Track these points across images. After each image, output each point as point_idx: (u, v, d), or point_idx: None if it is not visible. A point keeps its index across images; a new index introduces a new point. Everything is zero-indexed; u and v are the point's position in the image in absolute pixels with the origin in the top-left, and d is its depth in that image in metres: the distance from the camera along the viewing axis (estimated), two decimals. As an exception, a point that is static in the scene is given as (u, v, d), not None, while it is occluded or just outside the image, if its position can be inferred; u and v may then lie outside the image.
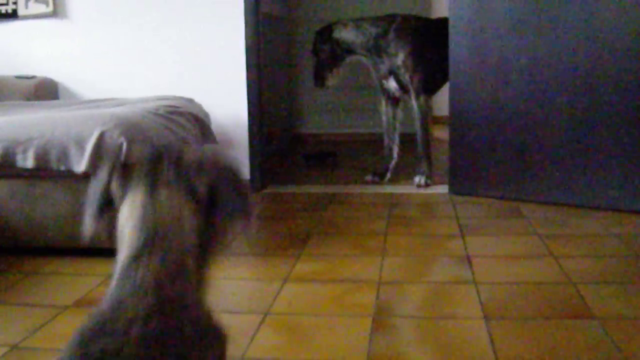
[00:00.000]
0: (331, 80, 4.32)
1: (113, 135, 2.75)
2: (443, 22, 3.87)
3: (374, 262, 2.65)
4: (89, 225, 1.18)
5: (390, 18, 4.11)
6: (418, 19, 4.23)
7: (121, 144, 2.74)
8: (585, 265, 2.55)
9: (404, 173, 4.31)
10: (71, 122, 2.83)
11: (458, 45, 3.70)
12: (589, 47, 3.32)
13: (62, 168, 2.77)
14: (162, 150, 1.16)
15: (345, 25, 4.17)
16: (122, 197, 1.13)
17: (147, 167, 1.12)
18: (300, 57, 5.97)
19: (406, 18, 4.13)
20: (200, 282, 1.11)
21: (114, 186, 1.15)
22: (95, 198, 1.16)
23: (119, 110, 3.07)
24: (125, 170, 1.14)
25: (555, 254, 2.68)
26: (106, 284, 2.47)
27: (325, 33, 4.23)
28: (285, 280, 2.47)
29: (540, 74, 3.47)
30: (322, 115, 6.21)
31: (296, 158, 5.43)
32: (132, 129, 2.81)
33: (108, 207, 1.16)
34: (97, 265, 2.73)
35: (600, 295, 2.23)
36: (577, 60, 3.36)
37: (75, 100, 3.96)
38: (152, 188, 1.10)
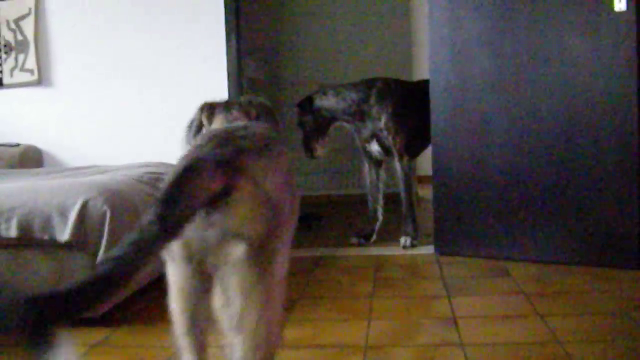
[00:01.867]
0: (320, 150, 4.34)
1: (97, 204, 2.75)
2: (424, 85, 3.93)
3: (360, 327, 2.63)
4: (188, 142, 1.92)
5: (371, 82, 4.18)
6: (398, 82, 4.29)
7: (105, 212, 2.74)
8: (572, 324, 2.54)
9: (390, 234, 4.31)
10: (54, 191, 2.83)
11: (439, 106, 3.76)
12: (567, 105, 3.39)
13: (46, 237, 2.76)
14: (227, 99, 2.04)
15: (325, 93, 4.24)
16: (210, 124, 1.91)
17: (223, 105, 1.97)
18: (287, 120, 6.03)
19: (387, 82, 4.20)
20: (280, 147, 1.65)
21: (204, 118, 1.94)
22: (194, 127, 1.95)
23: (102, 178, 3.09)
24: (211, 109, 1.95)
25: (541, 313, 2.67)
26: (91, 355, 2.45)
27: (306, 104, 4.28)
28: (271, 347, 2.44)
29: (521, 133, 3.53)
30: (308, 177, 6.24)
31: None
32: (116, 197, 2.82)
33: (199, 132, 1.91)
34: (80, 336, 2.67)
35: (588, 355, 2.22)
36: (556, 118, 3.42)
37: (59, 169, 3.97)
38: (227, 111, 1.94)
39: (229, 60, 4.02)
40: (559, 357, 2.21)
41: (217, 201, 1.22)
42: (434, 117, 3.79)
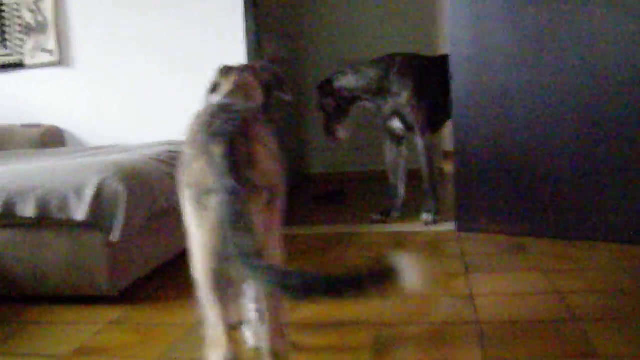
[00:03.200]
0: (342, 133, 4.29)
1: (112, 183, 2.76)
2: (444, 60, 3.87)
3: (375, 304, 2.62)
4: (206, 100, 2.11)
5: (391, 58, 4.13)
6: (419, 57, 4.23)
7: (120, 191, 2.75)
8: (591, 301, 2.49)
9: (413, 210, 4.28)
10: (71, 171, 2.85)
11: (460, 82, 3.70)
12: (590, 80, 3.30)
13: (63, 217, 2.78)
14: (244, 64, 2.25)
15: (344, 73, 4.18)
16: (226, 79, 2.12)
17: (238, 68, 2.17)
18: (309, 99, 6.01)
19: (407, 57, 4.14)
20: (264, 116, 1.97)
21: (218, 78, 2.15)
22: (211, 85, 2.15)
23: (118, 157, 3.09)
24: (228, 70, 2.16)
25: (560, 290, 2.63)
26: (105, 332, 2.47)
27: (326, 86, 4.22)
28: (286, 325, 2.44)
29: (543, 108, 3.45)
30: (332, 154, 6.22)
31: (306, 198, 5.43)
32: (131, 176, 2.83)
33: (215, 91, 2.12)
34: (98, 313, 2.72)
35: (604, 333, 2.18)
36: (579, 92, 3.34)
37: (80, 148, 4.00)
38: (240, 74, 2.13)
39: (247, 38, 3.98)
40: (577, 335, 2.17)
41: (244, 163, 1.53)
42: (454, 92, 3.73)
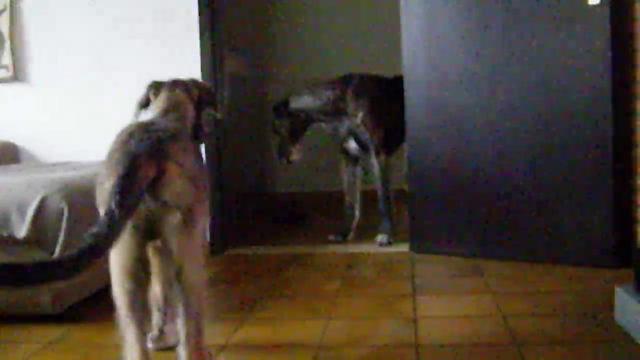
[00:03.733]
0: (296, 155, 4.30)
1: (54, 201, 2.74)
2: (401, 80, 3.88)
3: (318, 326, 2.60)
4: (135, 117, 2.15)
5: (347, 78, 4.14)
6: (375, 77, 4.25)
7: (62, 209, 2.72)
8: (536, 325, 2.50)
9: (371, 231, 4.26)
10: (14, 187, 2.81)
11: (414, 102, 3.72)
12: (545, 100, 3.34)
13: (4, 234, 2.74)
14: (174, 79, 2.25)
15: (300, 94, 4.19)
16: (155, 97, 2.18)
17: (168, 84, 2.22)
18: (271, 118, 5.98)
19: (362, 77, 4.16)
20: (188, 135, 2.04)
21: (150, 94, 2.20)
22: (141, 101, 2.21)
23: (64, 174, 3.06)
24: (157, 86, 2.21)
25: (505, 312, 2.63)
26: (42, 353, 2.42)
27: (281, 108, 4.22)
28: (221, 348, 2.41)
29: (498, 129, 3.48)
30: (294, 174, 6.19)
31: (267, 218, 5.41)
32: (75, 194, 2.80)
33: (145, 107, 2.19)
34: (38, 332, 2.67)
35: (544, 357, 2.18)
36: (534, 113, 3.37)
37: (32, 164, 3.95)
38: (171, 90, 2.19)
39: (202, 56, 3.97)
40: (514, 358, 2.16)
41: (153, 183, 1.59)
42: (408, 113, 3.75)
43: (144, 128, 1.75)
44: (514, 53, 3.39)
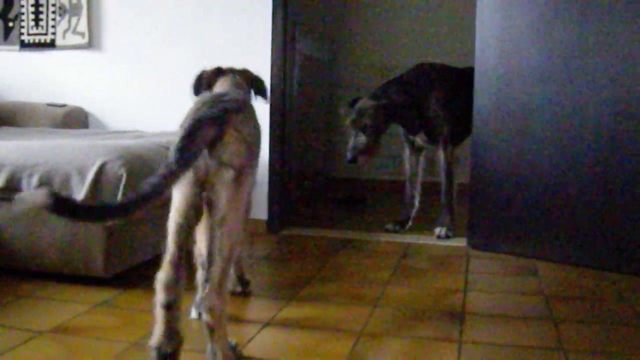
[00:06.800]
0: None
1: (114, 167, 2.78)
2: (470, 71, 3.80)
3: (363, 312, 2.57)
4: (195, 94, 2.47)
5: (418, 69, 4.06)
6: (446, 67, 4.17)
7: (121, 175, 2.76)
8: (584, 332, 2.41)
9: (430, 223, 4.20)
10: (75, 151, 2.87)
11: (482, 95, 3.63)
12: (616, 102, 3.21)
13: (64, 195, 2.79)
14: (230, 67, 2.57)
15: (389, 91, 3.99)
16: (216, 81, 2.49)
17: (227, 70, 2.53)
18: (340, 102, 5.97)
19: (433, 66, 4.08)
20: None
21: (212, 77, 2.50)
22: (204, 84, 2.49)
23: (126, 142, 3.11)
24: (218, 71, 2.52)
25: (556, 317, 2.55)
26: (90, 313, 2.47)
27: (380, 112, 3.90)
28: (265, 325, 2.41)
29: (564, 129, 3.37)
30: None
31: (326, 201, 5.40)
32: (134, 161, 2.84)
33: (208, 88, 2.48)
34: (88, 294, 2.73)
35: (588, 365, 2.11)
36: (604, 115, 3.24)
37: (100, 131, 4.03)
38: (232, 76, 2.49)
39: (274, 34, 3.96)
40: (558, 364, 2.10)
41: (214, 143, 1.83)
42: (476, 106, 3.67)
43: (217, 99, 1.99)
44: (588, 48, 3.26)
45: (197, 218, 1.94)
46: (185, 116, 1.96)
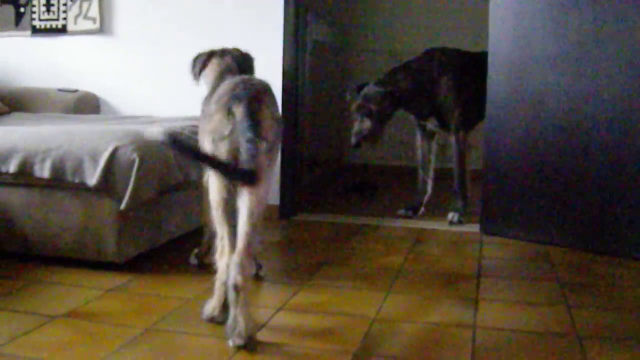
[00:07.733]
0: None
1: (127, 151, 2.77)
2: (484, 56, 3.76)
3: (376, 298, 2.56)
4: (194, 77, 2.68)
5: (430, 54, 4.03)
6: (458, 51, 4.12)
7: (133, 160, 2.75)
8: (599, 318, 2.39)
9: (442, 209, 4.19)
10: (88, 136, 2.87)
11: (496, 80, 3.60)
12: (630, 90, 3.17)
13: (76, 180, 2.80)
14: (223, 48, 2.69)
15: (388, 81, 3.94)
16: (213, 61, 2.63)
17: (219, 52, 2.65)
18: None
19: (445, 51, 4.04)
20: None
21: (206, 59, 2.64)
22: (198, 66, 2.66)
23: (138, 127, 3.09)
24: (210, 54, 2.65)
25: (570, 303, 2.53)
26: (103, 298, 2.48)
27: (386, 99, 3.88)
28: (279, 309, 2.41)
29: (579, 113, 3.34)
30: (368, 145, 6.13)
31: (338, 187, 5.39)
32: (147, 147, 2.83)
33: (202, 70, 2.64)
34: (100, 279, 2.73)
35: (603, 352, 2.08)
36: (617, 102, 3.21)
37: (112, 116, 4.03)
38: (221, 57, 2.63)
39: (286, 20, 3.94)
40: (573, 352, 2.08)
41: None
42: (489, 92, 3.64)
43: (246, 81, 2.20)
44: (603, 34, 3.23)
45: (235, 189, 2.12)
46: (219, 95, 2.18)
